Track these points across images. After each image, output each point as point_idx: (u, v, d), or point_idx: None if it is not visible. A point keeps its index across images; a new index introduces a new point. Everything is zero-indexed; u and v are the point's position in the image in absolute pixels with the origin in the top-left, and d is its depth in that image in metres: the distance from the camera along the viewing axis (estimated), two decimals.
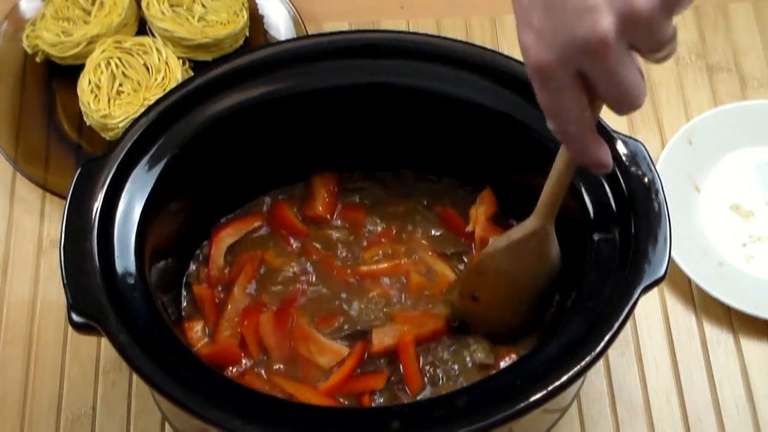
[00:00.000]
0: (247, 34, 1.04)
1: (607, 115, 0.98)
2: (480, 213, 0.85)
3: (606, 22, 0.56)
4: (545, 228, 0.74)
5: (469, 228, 0.85)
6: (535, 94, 0.61)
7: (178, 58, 1.00)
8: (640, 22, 0.56)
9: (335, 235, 0.86)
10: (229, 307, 0.82)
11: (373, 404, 0.78)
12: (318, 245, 0.85)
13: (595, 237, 0.73)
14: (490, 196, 0.86)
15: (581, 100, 0.61)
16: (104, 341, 0.86)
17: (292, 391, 0.78)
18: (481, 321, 0.80)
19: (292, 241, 0.86)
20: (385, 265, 0.84)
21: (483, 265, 0.78)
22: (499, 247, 0.76)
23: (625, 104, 0.60)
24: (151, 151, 0.76)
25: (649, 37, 0.57)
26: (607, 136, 0.75)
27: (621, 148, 0.75)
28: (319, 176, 0.87)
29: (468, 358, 0.79)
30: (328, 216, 0.86)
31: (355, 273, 0.84)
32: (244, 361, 0.80)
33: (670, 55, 0.60)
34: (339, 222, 0.87)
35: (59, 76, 1.03)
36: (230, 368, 0.80)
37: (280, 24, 1.05)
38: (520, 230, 0.75)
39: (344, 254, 0.85)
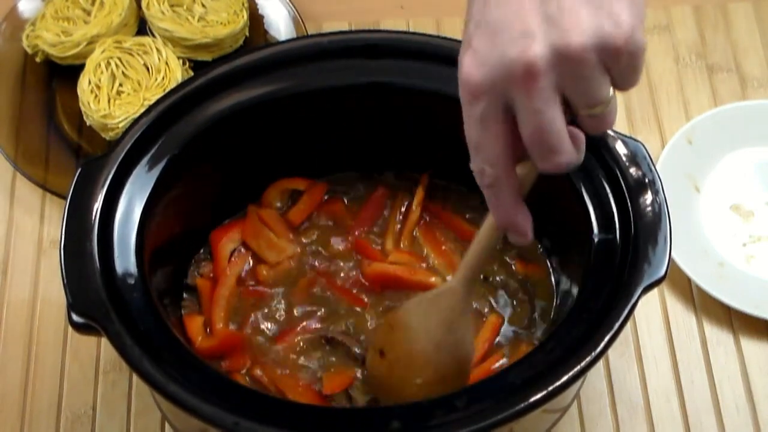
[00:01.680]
0: (247, 34, 1.04)
1: None
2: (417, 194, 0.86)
3: (537, 49, 0.55)
4: (460, 292, 0.70)
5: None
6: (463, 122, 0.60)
7: (178, 58, 1.00)
8: (572, 59, 0.55)
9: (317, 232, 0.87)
10: (220, 293, 0.82)
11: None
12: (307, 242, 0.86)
13: (595, 237, 0.73)
14: (423, 179, 0.87)
15: (504, 136, 0.59)
16: (104, 341, 0.86)
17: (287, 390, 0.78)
18: (383, 380, 0.76)
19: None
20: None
21: (395, 318, 0.75)
22: (413, 301, 0.74)
23: (543, 153, 0.58)
24: (151, 151, 0.76)
25: (580, 85, 0.56)
26: (604, 135, 0.75)
27: (621, 148, 0.75)
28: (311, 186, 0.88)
29: None
30: (299, 222, 0.87)
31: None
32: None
33: (604, 122, 0.59)
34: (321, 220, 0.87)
35: (59, 76, 1.03)
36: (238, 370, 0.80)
37: (280, 24, 1.05)
38: (434, 292, 0.73)
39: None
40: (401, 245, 0.85)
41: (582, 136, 0.60)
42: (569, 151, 0.58)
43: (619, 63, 0.56)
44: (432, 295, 0.73)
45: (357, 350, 0.80)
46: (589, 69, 0.56)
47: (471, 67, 0.58)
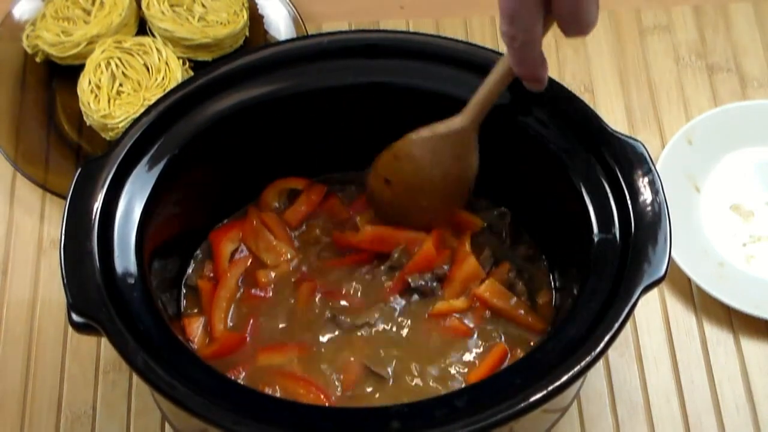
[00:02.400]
0: (247, 34, 1.05)
1: (607, 116, 0.99)
2: None
3: None
4: (469, 129, 0.77)
5: None
6: None
7: (178, 58, 1.00)
8: None
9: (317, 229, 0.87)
10: (221, 295, 0.82)
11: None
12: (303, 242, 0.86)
13: (595, 237, 0.73)
14: None
15: (539, 7, 0.67)
16: (104, 341, 0.86)
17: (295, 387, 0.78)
18: (387, 205, 0.83)
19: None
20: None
21: (401, 149, 0.80)
22: (421, 136, 0.79)
23: (574, 23, 0.68)
24: (151, 151, 0.76)
25: None
26: (604, 135, 0.75)
27: (621, 148, 0.75)
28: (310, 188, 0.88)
29: None
30: (297, 222, 0.87)
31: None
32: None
33: None
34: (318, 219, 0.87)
35: (59, 76, 1.03)
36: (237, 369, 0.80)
37: (280, 24, 1.05)
38: (445, 125, 0.78)
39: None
40: None
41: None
42: (596, 20, 0.68)
43: None
44: (442, 133, 0.78)
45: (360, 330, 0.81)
46: None
47: None
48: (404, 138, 0.79)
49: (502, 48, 0.74)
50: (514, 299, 0.81)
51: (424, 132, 0.79)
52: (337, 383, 0.78)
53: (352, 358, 0.79)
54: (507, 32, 0.70)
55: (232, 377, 0.78)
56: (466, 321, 0.81)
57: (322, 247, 0.85)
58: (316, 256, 0.85)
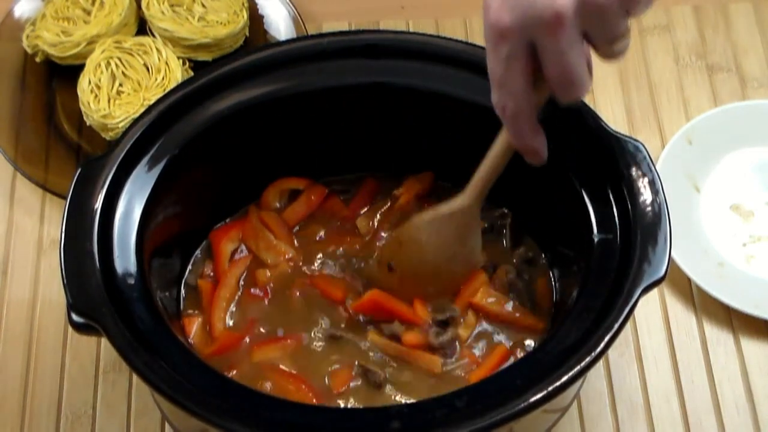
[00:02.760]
0: (247, 34, 1.05)
1: (607, 116, 0.99)
2: (410, 187, 0.86)
3: (565, 0, 0.60)
4: (472, 208, 0.76)
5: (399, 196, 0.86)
6: (486, 59, 0.66)
7: (178, 58, 1.00)
8: (597, 7, 0.60)
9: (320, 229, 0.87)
10: (221, 295, 0.82)
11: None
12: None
13: (596, 237, 0.73)
14: (429, 177, 0.87)
15: (527, 73, 0.65)
16: (104, 341, 0.86)
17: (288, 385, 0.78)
18: (393, 293, 0.80)
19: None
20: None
21: (405, 234, 0.79)
22: (424, 219, 0.78)
23: (567, 89, 0.64)
24: (151, 151, 0.76)
25: (603, 27, 0.62)
26: (604, 135, 0.75)
27: (621, 148, 0.75)
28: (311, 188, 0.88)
29: None
30: (296, 222, 0.87)
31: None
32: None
33: (622, 52, 0.64)
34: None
35: (59, 76, 1.03)
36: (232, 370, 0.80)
37: (280, 24, 1.05)
38: (448, 206, 0.77)
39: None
40: (386, 225, 0.86)
41: (591, 62, 0.66)
42: (588, 82, 0.65)
43: (639, 4, 0.61)
44: (445, 213, 0.77)
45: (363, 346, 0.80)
46: (612, 13, 0.61)
47: (501, 11, 0.64)
48: (407, 223, 0.79)
49: None
50: (511, 304, 0.81)
51: (427, 215, 0.78)
52: (328, 382, 0.78)
53: (347, 358, 0.79)
54: (497, 101, 0.67)
55: (229, 375, 0.78)
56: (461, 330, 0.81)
57: (323, 247, 0.85)
58: (316, 256, 0.85)
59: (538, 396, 0.65)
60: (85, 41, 1.00)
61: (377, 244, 0.84)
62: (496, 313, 0.81)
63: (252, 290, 0.83)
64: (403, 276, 0.80)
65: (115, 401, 0.87)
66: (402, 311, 0.80)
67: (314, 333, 0.81)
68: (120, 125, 0.95)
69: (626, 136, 0.76)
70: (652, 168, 0.74)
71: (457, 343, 0.80)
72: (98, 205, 0.73)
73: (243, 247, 0.86)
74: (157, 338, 0.69)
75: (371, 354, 0.80)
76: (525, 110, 0.67)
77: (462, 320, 0.81)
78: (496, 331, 0.81)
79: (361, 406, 0.77)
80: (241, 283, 0.84)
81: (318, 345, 0.80)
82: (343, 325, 0.81)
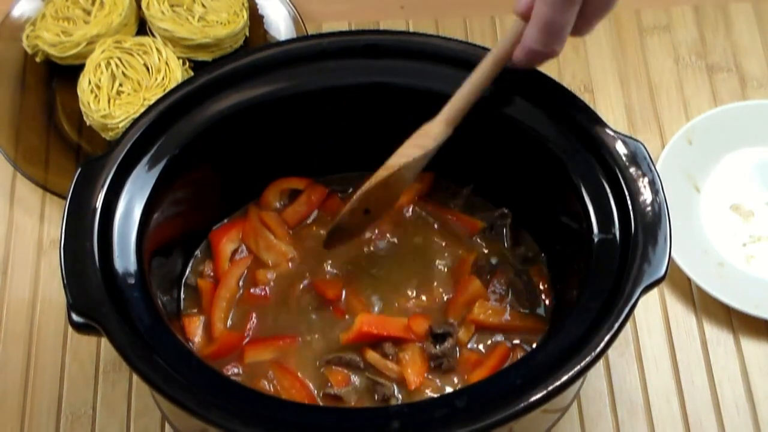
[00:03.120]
0: (247, 34, 1.05)
1: (607, 116, 0.99)
2: (410, 187, 0.85)
3: None
4: (446, 132, 0.77)
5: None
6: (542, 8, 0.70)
7: (178, 58, 1.00)
8: None
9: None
10: (221, 295, 0.82)
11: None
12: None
13: (595, 237, 0.73)
14: (429, 177, 0.87)
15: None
16: (104, 341, 0.86)
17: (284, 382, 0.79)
18: (354, 231, 0.81)
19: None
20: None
21: (392, 177, 0.77)
22: (416, 157, 0.77)
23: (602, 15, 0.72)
24: (151, 151, 0.76)
25: None
26: (605, 135, 0.75)
27: (621, 148, 0.75)
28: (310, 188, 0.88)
29: None
30: (296, 221, 0.87)
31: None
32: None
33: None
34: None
35: (59, 76, 1.03)
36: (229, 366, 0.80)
37: (280, 24, 1.05)
38: (431, 138, 0.76)
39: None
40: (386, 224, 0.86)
41: None
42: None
43: None
44: (432, 147, 0.76)
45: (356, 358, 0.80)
46: None
47: None
48: (399, 165, 0.76)
49: None
50: (508, 312, 0.81)
51: (416, 152, 0.76)
52: (327, 381, 0.79)
53: (346, 358, 0.79)
54: (538, 47, 0.71)
55: (229, 375, 0.78)
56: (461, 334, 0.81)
57: (322, 247, 0.85)
58: (316, 255, 0.85)
59: (538, 396, 0.65)
60: (85, 41, 1.00)
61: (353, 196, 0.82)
62: (494, 325, 0.81)
63: (252, 290, 0.83)
64: (374, 216, 0.80)
65: (115, 401, 0.87)
66: (394, 334, 0.79)
67: (315, 332, 0.81)
68: (120, 125, 0.95)
69: (626, 136, 0.76)
70: (652, 168, 0.74)
71: (457, 350, 0.80)
72: (98, 204, 0.73)
73: (243, 247, 0.86)
74: (157, 338, 0.69)
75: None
76: (558, 52, 0.72)
77: (461, 330, 0.81)
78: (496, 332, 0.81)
79: (361, 406, 0.78)
80: (241, 283, 0.84)
81: (318, 344, 0.80)
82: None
